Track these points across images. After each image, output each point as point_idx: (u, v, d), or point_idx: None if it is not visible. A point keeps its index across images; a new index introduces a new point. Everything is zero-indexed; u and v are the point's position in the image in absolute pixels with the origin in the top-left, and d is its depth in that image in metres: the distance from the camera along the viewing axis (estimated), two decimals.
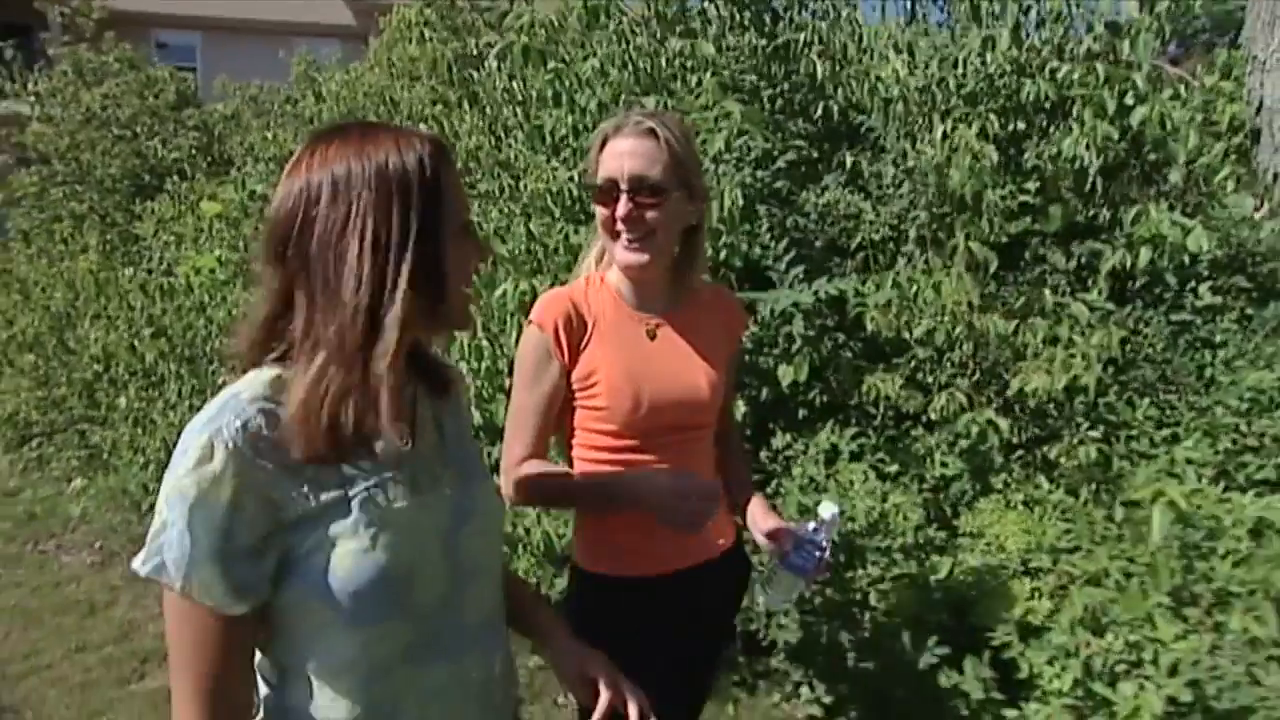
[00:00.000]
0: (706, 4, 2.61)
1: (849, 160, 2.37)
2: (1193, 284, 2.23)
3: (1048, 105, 2.49)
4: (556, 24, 2.48)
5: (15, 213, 5.32)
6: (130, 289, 3.44)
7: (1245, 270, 2.19)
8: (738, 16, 2.74)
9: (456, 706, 0.81)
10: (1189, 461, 1.76)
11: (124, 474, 3.44)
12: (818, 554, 1.15)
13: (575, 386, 1.16)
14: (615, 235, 1.14)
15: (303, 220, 0.70)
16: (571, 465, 1.21)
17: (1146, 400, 1.94)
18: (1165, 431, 1.90)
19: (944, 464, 1.87)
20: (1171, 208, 2.31)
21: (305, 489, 0.71)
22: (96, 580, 3.05)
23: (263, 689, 0.79)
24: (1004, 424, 1.79)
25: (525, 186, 2.56)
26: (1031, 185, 2.31)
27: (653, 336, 1.20)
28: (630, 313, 1.19)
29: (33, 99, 5.38)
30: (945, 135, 2.00)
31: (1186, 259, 2.20)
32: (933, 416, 1.90)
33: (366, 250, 0.69)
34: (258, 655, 0.77)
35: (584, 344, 1.16)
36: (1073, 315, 2.03)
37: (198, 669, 0.70)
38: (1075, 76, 2.37)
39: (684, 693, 1.26)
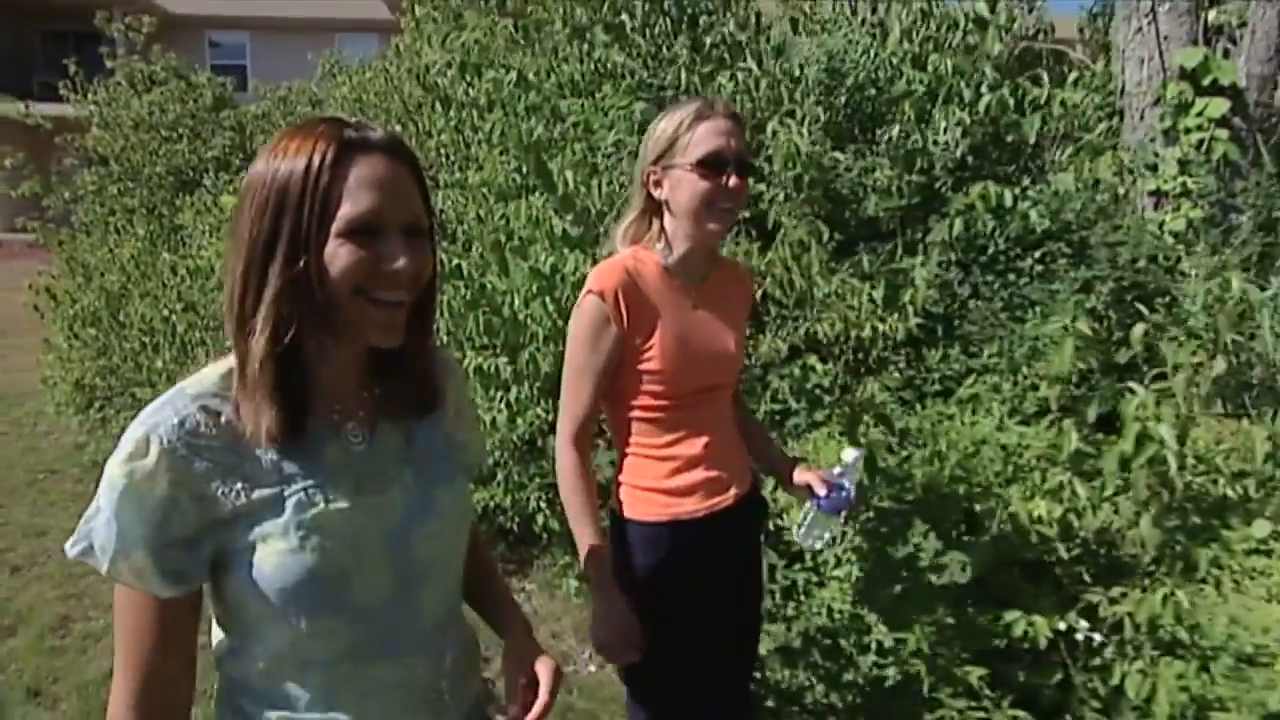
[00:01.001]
0: (624, 17, 3.04)
1: None
2: (1024, 251, 2.58)
3: (919, 94, 2.85)
4: (485, 42, 2.95)
5: (80, 208, 6.07)
6: (164, 271, 4.08)
7: (1066, 238, 2.52)
8: (662, 25, 3.16)
9: (398, 703, 0.81)
10: (975, 397, 2.15)
11: None
12: (844, 495, 1.33)
13: (630, 351, 1.26)
14: (708, 204, 1.23)
15: (235, 211, 0.74)
16: (617, 422, 1.34)
17: (956, 348, 2.33)
18: (971, 374, 2.29)
19: (781, 400, 2.30)
20: (1015, 184, 2.67)
21: (239, 486, 0.72)
22: None
23: (217, 662, 0.82)
24: (821, 367, 2.21)
25: (477, 176, 3.05)
26: (892, 169, 2.69)
27: (696, 307, 1.31)
28: (676, 283, 1.30)
29: (93, 107, 6.11)
30: (774, 133, 2.40)
31: (1023, 229, 2.56)
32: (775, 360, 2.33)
33: (242, 249, 0.71)
34: (216, 631, 0.81)
35: (639, 312, 1.25)
36: (908, 277, 2.43)
37: (132, 646, 0.73)
38: (946, 67, 2.72)
39: (738, 614, 1.42)
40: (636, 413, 1.30)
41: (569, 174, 2.35)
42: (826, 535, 1.39)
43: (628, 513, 1.32)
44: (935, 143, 2.73)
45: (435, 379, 0.85)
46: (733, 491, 1.34)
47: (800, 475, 1.38)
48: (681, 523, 1.30)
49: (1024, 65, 3.92)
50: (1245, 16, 2.76)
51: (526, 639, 0.93)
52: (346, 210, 0.71)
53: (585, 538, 1.26)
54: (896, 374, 2.29)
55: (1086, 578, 1.77)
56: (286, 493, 0.73)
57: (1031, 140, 2.73)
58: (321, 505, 0.74)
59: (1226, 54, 2.79)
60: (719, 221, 1.25)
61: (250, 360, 0.70)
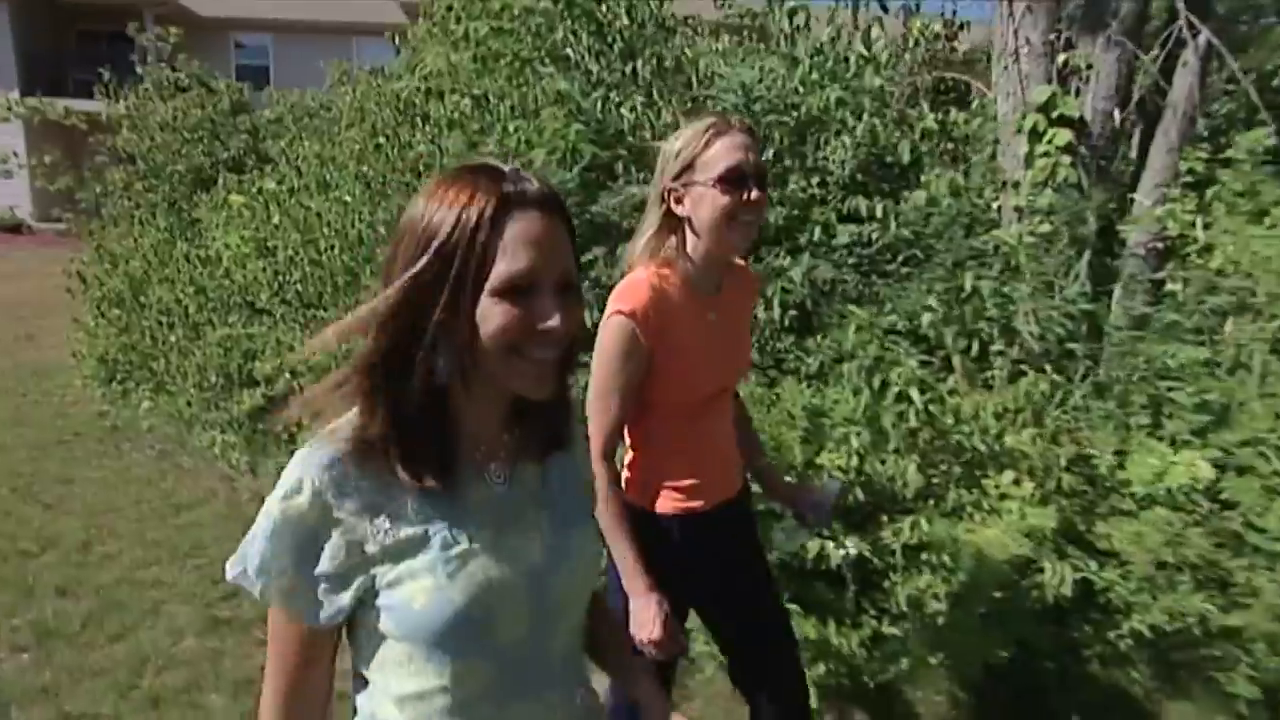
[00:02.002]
0: (569, 50, 3.53)
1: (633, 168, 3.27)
2: (892, 255, 3.04)
3: (825, 118, 3.32)
4: (447, 71, 3.46)
5: (109, 201, 6.69)
6: (180, 259, 4.65)
7: (925, 245, 2.99)
8: (603, 56, 3.66)
9: None
10: (821, 373, 2.63)
11: (176, 397, 4.66)
12: (824, 514, 1.61)
13: (654, 363, 1.30)
14: (730, 218, 1.28)
15: (388, 258, 0.75)
16: (634, 424, 1.40)
17: (820, 335, 2.81)
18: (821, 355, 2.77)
19: None
20: (893, 198, 3.14)
21: (387, 525, 0.74)
22: (154, 468, 4.26)
23: (355, 693, 0.85)
24: None
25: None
26: (796, 183, 3.16)
27: (714, 318, 1.37)
28: (696, 296, 1.35)
29: (123, 110, 6.73)
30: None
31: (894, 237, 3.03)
32: None
33: (394, 294, 0.71)
34: (356, 662, 0.82)
35: (664, 328, 1.30)
36: (786, 274, 2.91)
37: (279, 660, 0.77)
38: (831, 99, 3.20)
39: (750, 574, 1.55)
40: (654, 416, 1.37)
41: None
42: (800, 539, 1.71)
43: (644, 506, 1.41)
44: (829, 160, 3.21)
45: (567, 418, 0.87)
46: (736, 484, 1.48)
47: (790, 492, 1.63)
48: (692, 516, 1.40)
49: (941, 92, 4.39)
50: (1091, 60, 3.20)
51: (658, 695, 0.97)
52: (503, 269, 0.71)
53: (621, 546, 1.32)
54: (768, 354, 2.78)
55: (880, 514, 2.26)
56: (432, 531, 0.75)
57: (907, 160, 3.19)
58: (465, 544, 0.76)
59: (1078, 92, 3.23)
60: (742, 234, 1.30)
61: (406, 404, 0.72)
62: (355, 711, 0.84)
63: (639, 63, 3.67)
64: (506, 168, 0.75)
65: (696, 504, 1.40)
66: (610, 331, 1.29)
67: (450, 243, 0.70)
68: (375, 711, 0.81)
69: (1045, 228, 3.07)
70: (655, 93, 3.53)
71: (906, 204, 3.04)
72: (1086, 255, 2.78)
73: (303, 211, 4.26)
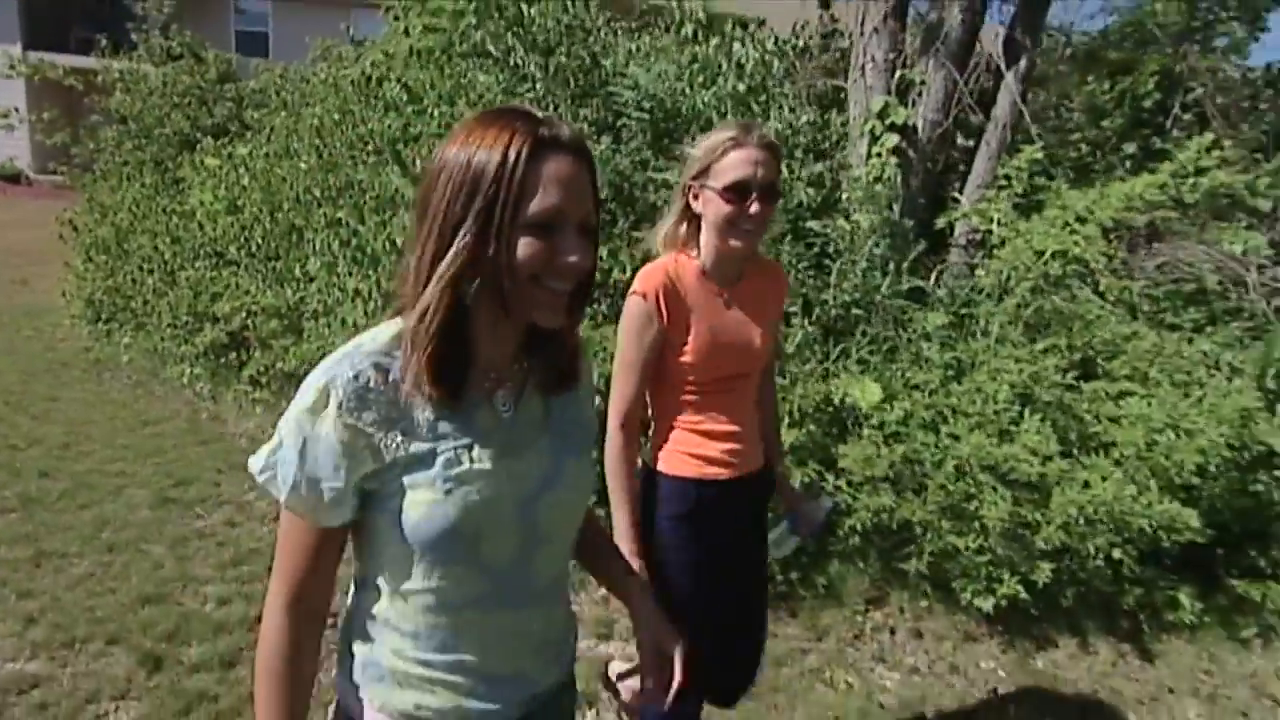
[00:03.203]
0: (490, 46, 4.11)
1: None
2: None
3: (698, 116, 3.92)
4: (385, 62, 4.05)
5: (102, 157, 7.26)
6: (159, 212, 5.25)
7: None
8: (520, 54, 4.24)
9: (515, 649, 0.91)
10: None
11: (152, 334, 5.28)
12: (817, 525, 1.73)
13: (670, 344, 1.41)
14: (731, 224, 1.37)
15: (426, 188, 0.81)
16: (657, 400, 1.51)
17: None
18: None
19: None
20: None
21: (400, 438, 0.80)
22: (129, 393, 4.88)
23: (352, 590, 0.92)
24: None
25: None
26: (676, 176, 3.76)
27: (729, 306, 1.46)
28: (711, 285, 1.45)
29: (117, 74, 7.28)
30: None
31: None
32: None
33: (435, 227, 0.79)
34: (355, 562, 0.90)
35: (678, 310, 1.40)
36: None
37: (291, 565, 0.84)
38: (702, 100, 3.79)
39: (748, 562, 1.63)
40: (673, 394, 1.48)
41: (413, 163, 3.47)
42: (787, 548, 1.77)
43: (661, 468, 1.51)
44: None
45: (575, 360, 0.93)
46: (751, 464, 1.55)
47: (792, 499, 1.75)
48: (708, 482, 1.50)
49: (832, 93, 4.98)
50: (925, 78, 3.78)
51: (659, 618, 1.05)
52: (536, 205, 0.77)
53: (623, 509, 1.45)
54: None
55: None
56: (439, 449, 0.81)
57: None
58: (468, 464, 0.81)
59: (914, 104, 3.82)
60: (740, 240, 1.40)
61: (427, 318, 0.78)
62: (352, 608, 0.92)
63: (555, 59, 4.26)
64: (540, 113, 0.81)
65: (710, 473, 1.49)
66: (627, 312, 1.42)
67: (495, 178, 0.76)
68: (369, 605, 0.88)
69: (875, 219, 3.69)
70: (554, 88, 4.13)
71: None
72: (885, 241, 3.40)
73: (267, 176, 4.86)
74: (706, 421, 1.49)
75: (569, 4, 4.37)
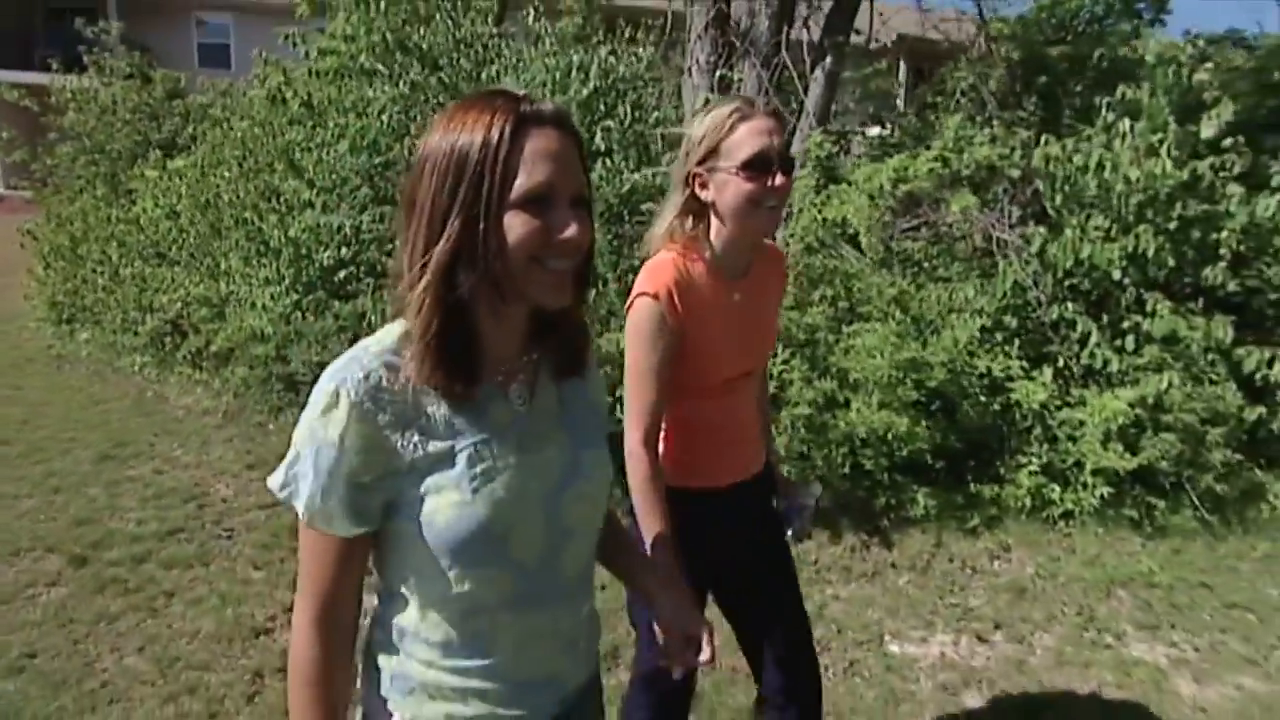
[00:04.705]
0: (380, 65, 4.75)
1: None
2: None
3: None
4: (285, 81, 4.71)
5: (58, 172, 7.88)
6: (106, 219, 5.88)
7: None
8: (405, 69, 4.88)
9: (548, 650, 0.89)
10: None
11: (106, 329, 5.93)
12: (806, 515, 1.64)
13: (682, 344, 1.31)
14: (755, 203, 1.27)
15: (412, 181, 0.79)
16: (669, 407, 1.37)
17: None
18: None
19: None
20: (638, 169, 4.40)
21: (417, 439, 0.78)
22: (85, 380, 5.52)
23: (375, 602, 0.90)
24: None
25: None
26: None
27: (740, 300, 1.37)
28: (721, 278, 1.35)
29: (69, 96, 7.89)
30: None
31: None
32: None
33: (423, 219, 0.77)
34: (377, 573, 0.88)
35: (690, 307, 1.30)
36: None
37: (316, 579, 0.82)
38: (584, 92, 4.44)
39: (768, 555, 1.56)
40: (680, 396, 1.37)
41: (307, 165, 4.13)
42: (800, 537, 1.68)
43: (667, 481, 1.38)
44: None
45: (585, 342, 0.92)
46: (755, 465, 1.50)
47: (784, 488, 1.64)
48: (716, 492, 1.43)
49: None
50: (742, 75, 4.44)
51: (681, 598, 1.05)
52: (523, 182, 0.75)
53: (658, 536, 1.31)
54: None
55: None
56: (458, 447, 0.79)
57: (601, 149, 4.46)
58: (490, 461, 0.80)
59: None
60: (767, 219, 1.30)
61: (424, 312, 0.76)
62: (376, 621, 0.89)
63: (442, 74, 4.92)
64: (520, 91, 0.79)
65: (718, 482, 1.43)
66: (637, 314, 1.31)
67: (479, 160, 0.74)
68: (395, 617, 0.86)
69: None
70: (444, 99, 4.77)
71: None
72: None
73: (199, 185, 5.50)
74: (714, 427, 1.43)
75: (458, 20, 5.04)
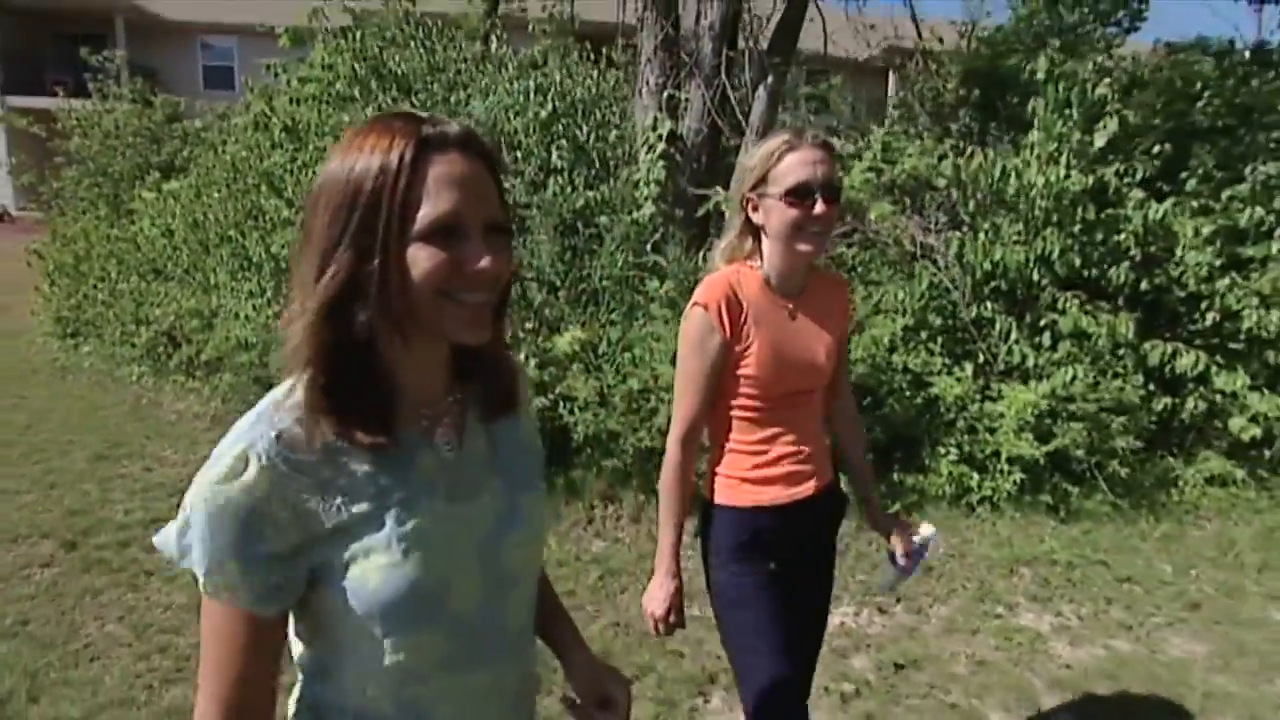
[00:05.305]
0: (355, 91, 5.10)
1: None
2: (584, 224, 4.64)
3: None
4: (268, 107, 5.08)
5: (64, 194, 8.30)
6: (106, 238, 6.27)
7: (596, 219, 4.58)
8: (389, 93, 5.24)
9: (491, 711, 0.84)
10: None
11: (106, 341, 6.30)
12: (920, 559, 1.56)
13: (731, 357, 1.39)
14: (797, 229, 1.35)
15: (308, 213, 0.74)
16: (715, 418, 1.47)
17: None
18: None
19: None
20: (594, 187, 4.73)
21: (339, 500, 0.71)
22: (86, 389, 5.88)
23: (301, 681, 0.82)
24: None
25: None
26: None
27: (793, 317, 1.44)
28: (775, 297, 1.43)
29: (74, 123, 8.32)
30: None
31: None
32: None
33: (314, 254, 0.71)
34: (298, 648, 0.80)
35: (741, 322, 1.39)
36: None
37: (222, 658, 0.71)
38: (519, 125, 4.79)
39: (810, 597, 1.58)
40: (733, 411, 1.44)
41: (287, 185, 4.48)
42: (892, 587, 1.64)
43: (718, 499, 1.47)
44: (520, 163, 4.81)
45: (514, 378, 0.87)
46: (813, 484, 1.48)
47: (890, 534, 1.60)
48: (764, 509, 1.45)
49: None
50: (689, 96, 4.76)
51: (590, 657, 0.98)
52: (427, 212, 0.69)
53: (668, 529, 1.44)
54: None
55: None
56: (385, 504, 0.73)
57: (558, 166, 4.78)
58: (419, 518, 0.74)
59: (681, 117, 4.81)
60: (809, 244, 1.37)
61: (311, 356, 0.70)
62: (299, 701, 0.82)
63: (413, 98, 5.27)
64: (423, 113, 0.74)
65: (768, 497, 1.45)
66: (687, 322, 1.41)
67: (374, 189, 0.69)
68: (320, 695, 0.80)
69: (649, 209, 4.69)
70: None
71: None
72: (660, 221, 4.40)
73: (192, 206, 5.88)
74: (766, 440, 1.46)
75: (430, 48, 5.40)
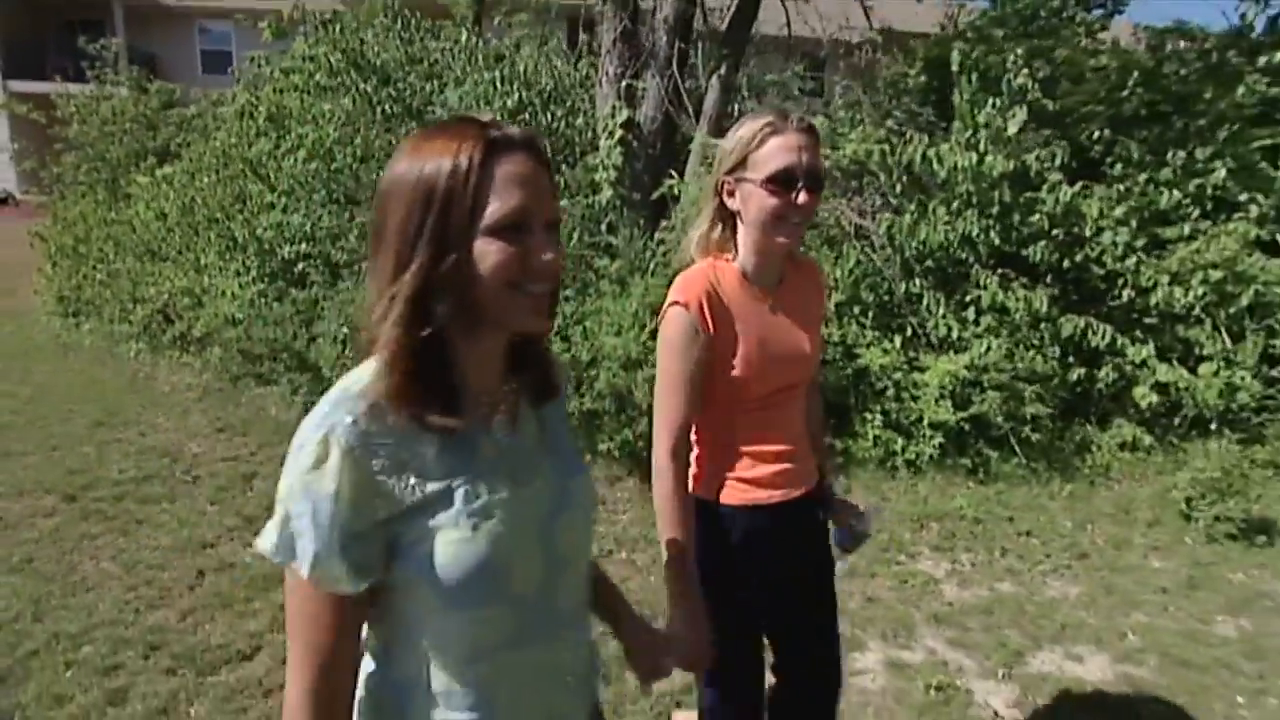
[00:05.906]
0: (334, 80, 5.40)
1: None
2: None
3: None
4: (254, 96, 5.38)
5: (64, 178, 8.63)
6: (104, 221, 6.60)
7: None
8: (368, 83, 5.54)
9: (548, 688, 0.89)
10: None
11: (104, 319, 6.66)
12: (861, 533, 1.58)
13: (716, 356, 1.31)
14: (777, 219, 1.27)
15: (378, 212, 0.78)
16: (702, 419, 1.39)
17: None
18: None
19: None
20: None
21: (413, 480, 0.77)
22: (86, 365, 6.24)
23: (368, 664, 0.86)
24: None
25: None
26: None
27: (774, 311, 1.37)
28: (754, 289, 1.36)
29: (73, 110, 8.63)
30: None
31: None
32: None
33: (391, 250, 0.76)
34: (364, 631, 0.83)
35: (722, 319, 1.31)
36: None
37: (313, 645, 0.76)
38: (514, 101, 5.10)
39: (812, 587, 1.54)
40: (720, 412, 1.38)
41: (269, 171, 4.80)
42: (837, 567, 1.59)
43: (704, 495, 1.40)
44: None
45: (555, 367, 0.92)
46: (804, 483, 1.45)
47: (837, 508, 1.58)
48: (759, 508, 1.40)
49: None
50: (646, 86, 5.03)
51: (647, 628, 1.06)
52: (496, 208, 0.75)
53: (680, 556, 1.31)
54: None
55: None
56: (454, 485, 0.78)
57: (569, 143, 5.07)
58: (486, 496, 0.79)
59: (639, 106, 5.09)
60: (787, 235, 1.30)
61: (395, 347, 0.75)
62: (368, 681, 0.86)
63: (391, 88, 5.57)
64: (485, 118, 0.79)
65: (761, 496, 1.40)
66: (667, 323, 1.33)
67: (447, 188, 0.74)
68: (391, 674, 0.84)
69: (606, 193, 4.99)
70: (395, 109, 5.43)
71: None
72: (617, 204, 4.71)
73: (184, 190, 6.20)
74: (754, 441, 1.41)
75: (408, 39, 5.69)
